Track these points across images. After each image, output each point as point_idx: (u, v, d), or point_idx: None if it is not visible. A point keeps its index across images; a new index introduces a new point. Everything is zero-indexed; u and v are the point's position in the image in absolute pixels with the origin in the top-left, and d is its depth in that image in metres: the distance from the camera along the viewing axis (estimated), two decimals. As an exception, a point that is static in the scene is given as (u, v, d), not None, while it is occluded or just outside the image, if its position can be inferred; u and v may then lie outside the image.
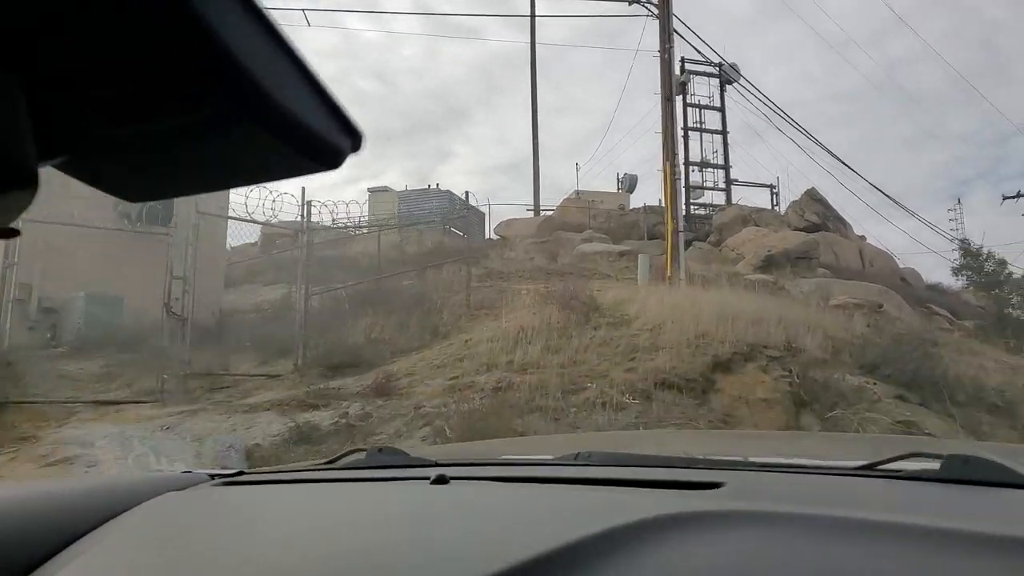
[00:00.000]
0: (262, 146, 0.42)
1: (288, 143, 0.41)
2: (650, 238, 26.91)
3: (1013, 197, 30.87)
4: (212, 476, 1.46)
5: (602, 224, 25.55)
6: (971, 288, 16.36)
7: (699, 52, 22.27)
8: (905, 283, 22.64)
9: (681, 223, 14.39)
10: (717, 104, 30.31)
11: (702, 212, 28.99)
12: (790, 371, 6.60)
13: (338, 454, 1.60)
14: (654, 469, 1.27)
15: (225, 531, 1.07)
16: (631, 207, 28.67)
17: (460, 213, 26.15)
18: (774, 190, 31.00)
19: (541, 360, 6.82)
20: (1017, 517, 0.85)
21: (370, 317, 9.46)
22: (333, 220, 15.37)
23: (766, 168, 52.19)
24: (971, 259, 15.12)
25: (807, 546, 0.78)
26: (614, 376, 6.40)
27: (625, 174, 31.35)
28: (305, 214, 9.35)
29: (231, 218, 10.32)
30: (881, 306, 14.62)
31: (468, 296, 10.48)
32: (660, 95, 14.52)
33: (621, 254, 21.04)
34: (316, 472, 1.60)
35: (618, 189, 31.73)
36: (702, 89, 30.43)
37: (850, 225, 25.50)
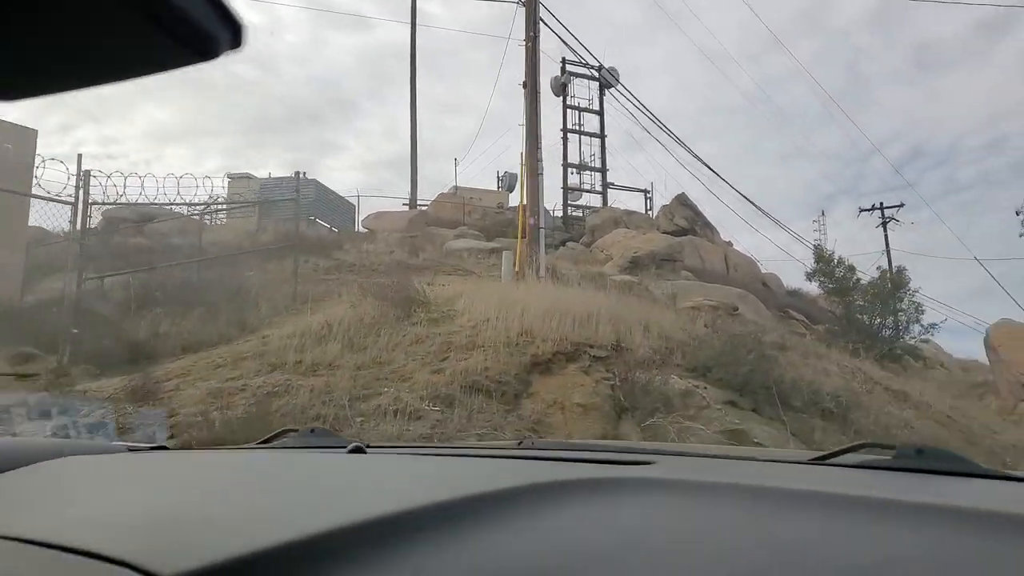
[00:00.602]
0: (131, 31, 0.41)
1: (161, 28, 0.41)
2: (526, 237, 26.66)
3: (868, 210, 32.84)
4: (131, 449, 1.48)
5: (477, 221, 24.90)
6: (824, 294, 16.72)
7: (575, 52, 21.97)
8: (766, 288, 23.24)
9: (542, 219, 13.83)
10: (597, 108, 30.37)
11: (579, 214, 28.94)
12: (613, 373, 6.00)
13: (270, 434, 1.60)
14: (593, 452, 1.31)
15: (130, 490, 1.03)
16: (510, 206, 28.25)
17: (327, 202, 25.09)
18: (648, 195, 31.42)
19: (339, 359, 5.93)
20: (972, 498, 0.85)
21: (170, 309, 8.23)
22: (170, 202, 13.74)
23: (642, 174, 53.20)
24: (823, 264, 15.42)
25: (739, 515, 0.79)
26: (418, 378, 5.59)
27: (505, 172, 30.86)
28: (82, 184, 7.95)
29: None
30: (736, 309, 14.64)
31: (295, 288, 9.41)
32: (525, 85, 13.93)
33: (492, 251, 20.36)
34: (243, 449, 1.65)
35: (498, 187, 31.28)
36: (585, 93, 30.38)
37: (717, 231, 26.02)
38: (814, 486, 0.88)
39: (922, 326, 16.11)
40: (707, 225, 25.76)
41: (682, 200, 25.50)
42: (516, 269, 11.02)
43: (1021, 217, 34.82)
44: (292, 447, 1.52)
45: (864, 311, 15.24)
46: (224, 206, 15.82)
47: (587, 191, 30.59)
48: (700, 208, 25.85)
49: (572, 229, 27.22)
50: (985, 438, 11.26)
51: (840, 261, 15.48)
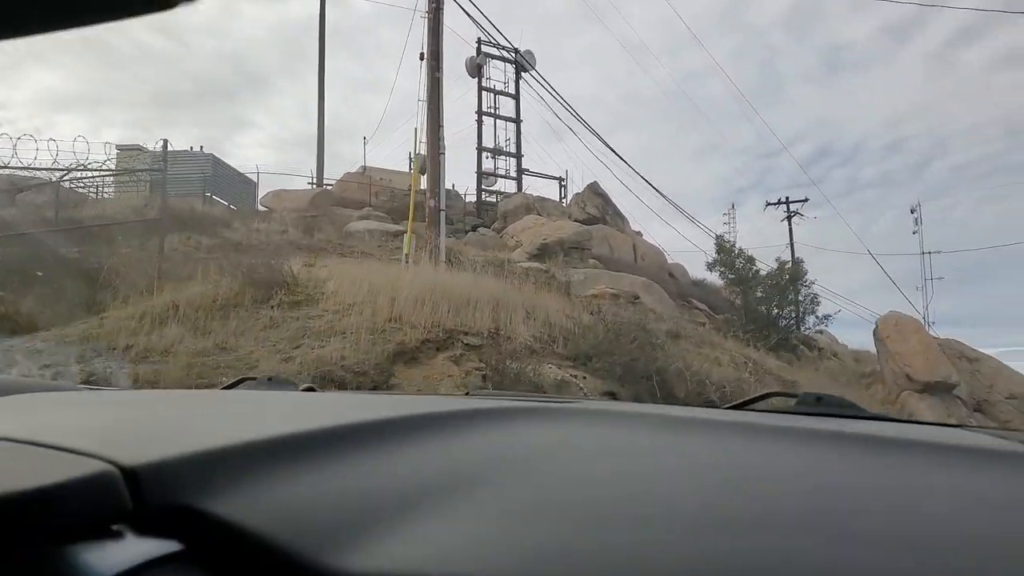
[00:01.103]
0: None
1: None
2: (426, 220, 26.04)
3: (774, 204, 33.72)
4: (95, 391, 1.59)
5: (385, 203, 24.11)
6: (725, 284, 16.89)
7: (488, 34, 21.44)
8: (672, 278, 23.46)
9: (443, 201, 13.30)
10: (513, 91, 29.94)
11: (494, 199, 28.51)
12: (486, 363, 5.59)
13: (231, 382, 1.70)
14: (538, 398, 1.41)
15: (98, 412, 1.08)
16: (423, 188, 27.59)
17: (223, 177, 23.72)
18: (563, 183, 31.30)
19: (177, 345, 5.29)
20: (861, 430, 0.96)
21: (10, 286, 7.31)
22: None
23: (557, 163, 53.26)
24: (724, 255, 15.53)
25: (670, 436, 0.91)
26: (264, 367, 5.02)
27: (418, 153, 30.13)
28: None
29: None
30: (637, 297, 14.57)
31: (158, 267, 8.58)
32: (423, 57, 13.33)
33: (396, 234, 19.69)
34: (203, 391, 1.90)
35: (410, 169, 30.52)
36: (503, 76, 29.86)
37: (627, 220, 26.12)
38: (724, 419, 1.00)
39: (817, 317, 16.51)
40: (618, 214, 25.81)
41: (594, 189, 25.44)
42: (406, 251, 10.47)
43: (915, 215, 36.72)
44: (253, 391, 1.62)
45: (762, 302, 15.43)
46: (88, 173, 14.47)
47: (502, 176, 30.18)
48: (612, 198, 25.89)
49: (485, 215, 26.78)
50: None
51: (740, 252, 15.61)
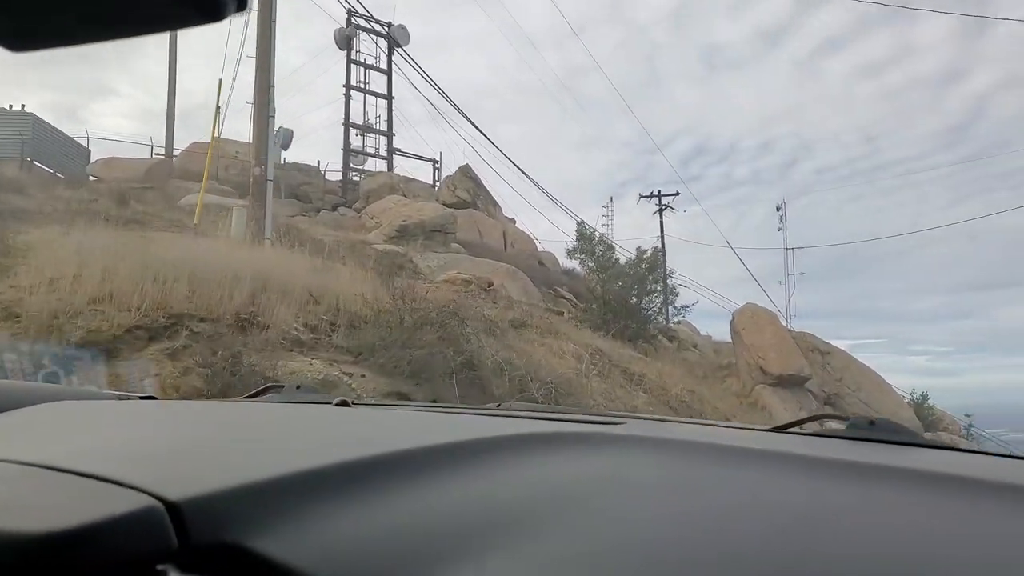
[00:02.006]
0: None
1: None
2: (291, 197, 24.07)
3: (647, 197, 33.91)
4: (120, 398, 1.50)
5: (234, 176, 21.97)
6: (586, 272, 16.14)
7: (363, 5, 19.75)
8: (542, 266, 22.66)
9: (270, 170, 11.69)
10: (386, 68, 28.26)
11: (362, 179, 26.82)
12: (216, 353, 4.25)
13: (256, 390, 1.62)
14: (570, 415, 1.35)
15: (130, 429, 1.04)
16: (284, 162, 25.46)
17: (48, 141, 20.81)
18: (437, 165, 29.99)
19: None
20: (919, 463, 0.89)
21: None
22: None
23: (439, 147, 51.92)
24: (584, 242, 14.77)
25: (705, 470, 0.84)
26: None
27: (280, 128, 27.90)
28: None
29: None
30: (491, 284, 13.52)
31: None
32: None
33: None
34: (231, 401, 1.75)
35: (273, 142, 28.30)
36: (377, 52, 28.09)
37: (499, 206, 25.13)
38: (775, 447, 0.93)
39: (675, 308, 16.09)
40: (490, 200, 24.76)
41: (466, 172, 24.25)
42: (196, 221, 8.89)
43: (780, 212, 38.03)
44: (279, 402, 1.52)
45: (621, 291, 14.77)
46: None
47: (371, 155, 28.53)
48: (487, 184, 24.81)
49: (350, 194, 25.09)
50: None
51: (601, 239, 14.87)
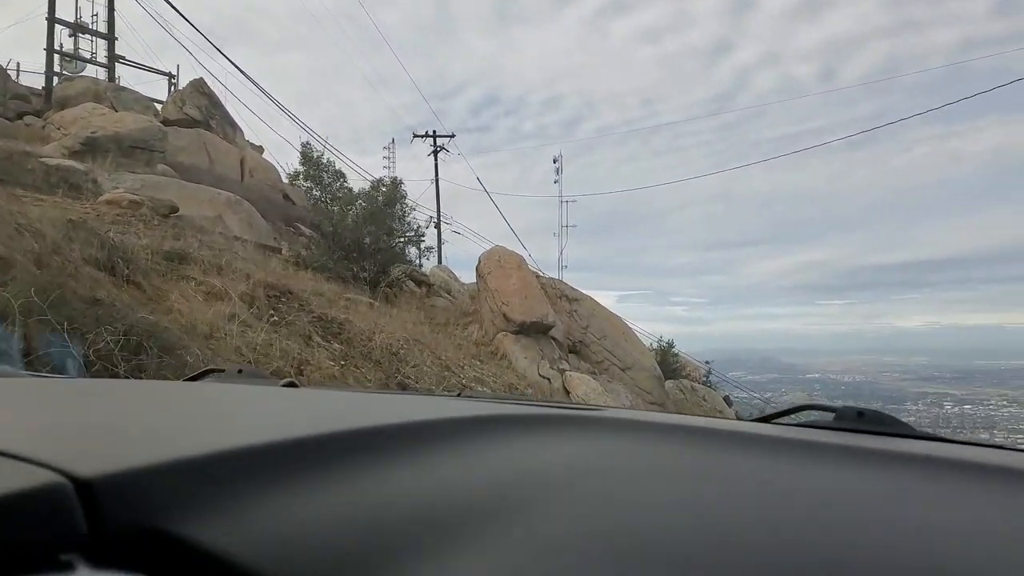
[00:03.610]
0: None
1: None
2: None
3: (421, 136, 32.23)
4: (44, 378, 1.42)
5: None
6: (311, 203, 13.84)
7: None
8: (287, 200, 19.95)
9: None
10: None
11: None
12: None
13: (197, 372, 1.54)
14: (541, 404, 1.24)
15: (46, 407, 0.91)
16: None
17: None
18: (174, 80, 25.68)
19: None
20: (912, 450, 0.87)
21: None
22: None
23: (157, 59, 46.06)
24: (309, 166, 12.49)
25: (695, 451, 0.81)
26: None
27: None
28: None
29: None
30: (176, 210, 10.84)
31: None
32: None
33: None
34: (167, 382, 1.63)
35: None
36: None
37: (241, 130, 21.80)
38: (760, 432, 0.90)
39: (419, 249, 14.46)
40: (229, 122, 21.33)
41: (199, 87, 20.57)
42: None
43: (556, 165, 38.37)
44: (221, 384, 1.42)
45: (355, 227, 12.73)
46: None
47: (88, 61, 23.61)
48: (224, 102, 21.29)
49: (48, 102, 20.35)
50: (449, 377, 9.51)
51: (329, 163, 12.67)
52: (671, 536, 0.56)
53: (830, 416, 1.06)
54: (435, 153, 31.60)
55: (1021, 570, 0.53)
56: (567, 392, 13.01)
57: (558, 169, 37.83)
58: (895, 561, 0.53)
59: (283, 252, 12.72)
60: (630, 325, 18.23)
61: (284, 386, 1.25)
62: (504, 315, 13.33)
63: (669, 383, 19.88)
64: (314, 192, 12.86)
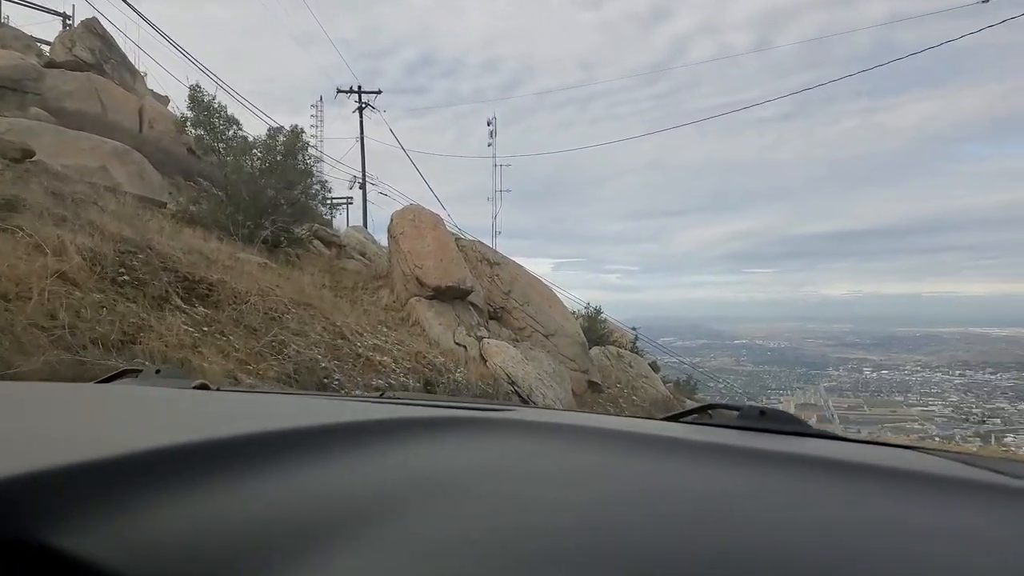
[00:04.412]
0: None
1: None
2: None
3: (346, 92, 30.77)
4: None
5: None
6: (201, 152, 12.51)
7: None
8: (192, 154, 18.36)
9: None
10: None
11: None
12: None
13: (110, 374, 1.49)
14: (455, 402, 1.29)
15: None
16: None
17: None
18: (68, 19, 23.45)
19: None
20: (811, 451, 0.89)
21: None
22: None
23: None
24: (199, 111, 11.19)
25: (596, 453, 0.81)
26: None
27: None
28: None
29: None
30: (31, 155, 9.45)
31: None
32: None
33: None
34: (75, 384, 1.52)
35: None
36: None
37: (140, 76, 19.98)
38: (664, 433, 0.91)
39: (326, 207, 13.34)
40: (127, 68, 19.49)
41: (91, 27, 18.63)
42: None
43: (490, 127, 37.49)
44: (136, 386, 1.38)
45: (251, 179, 11.52)
46: None
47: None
48: (122, 46, 19.41)
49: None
50: (343, 346, 8.56)
51: (221, 108, 11.37)
52: (557, 537, 0.56)
53: (734, 414, 1.10)
54: (360, 110, 30.17)
55: (898, 565, 0.54)
56: (484, 360, 12.24)
57: (492, 132, 36.89)
58: (774, 559, 0.54)
59: (168, 207, 11.43)
60: (556, 290, 17.57)
61: (196, 387, 1.22)
62: (417, 279, 12.41)
63: (595, 350, 19.38)
64: (205, 141, 11.53)
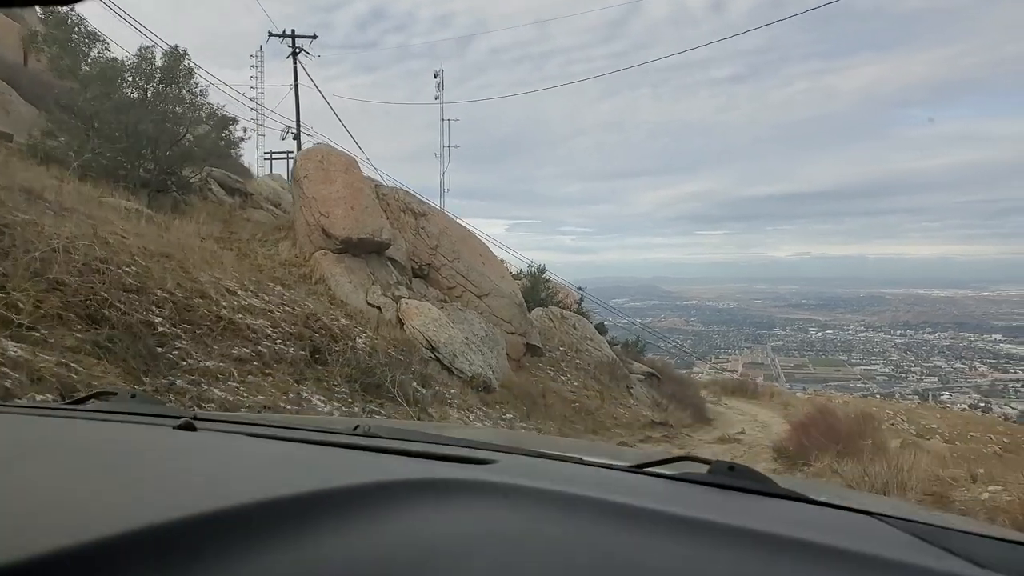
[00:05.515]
0: None
1: None
2: None
3: (279, 36, 28.49)
4: None
5: None
6: (56, 74, 10.51)
7: None
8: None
9: None
10: None
11: None
12: None
13: (85, 395, 1.45)
14: (432, 445, 1.24)
15: None
16: None
17: None
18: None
19: None
20: (774, 520, 0.89)
21: None
22: None
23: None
24: (55, 28, 9.24)
25: (570, 524, 0.81)
26: None
27: None
28: None
29: None
30: None
31: None
32: None
33: None
34: (57, 410, 1.44)
35: None
36: None
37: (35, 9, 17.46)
38: (636, 499, 0.90)
39: (228, 142, 11.47)
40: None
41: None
42: None
43: (437, 80, 35.65)
44: (110, 412, 1.33)
45: (124, 111, 9.62)
46: None
47: None
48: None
49: None
50: (201, 306, 6.92)
51: (76, 23, 9.37)
52: None
53: (703, 468, 1.10)
54: (294, 55, 27.82)
55: None
56: (401, 324, 10.71)
57: (439, 84, 34.82)
58: None
59: (14, 140, 9.47)
60: (508, 253, 16.05)
61: (179, 428, 1.12)
62: (323, 229, 10.71)
63: (537, 311, 18.00)
64: (63, 62, 9.56)
